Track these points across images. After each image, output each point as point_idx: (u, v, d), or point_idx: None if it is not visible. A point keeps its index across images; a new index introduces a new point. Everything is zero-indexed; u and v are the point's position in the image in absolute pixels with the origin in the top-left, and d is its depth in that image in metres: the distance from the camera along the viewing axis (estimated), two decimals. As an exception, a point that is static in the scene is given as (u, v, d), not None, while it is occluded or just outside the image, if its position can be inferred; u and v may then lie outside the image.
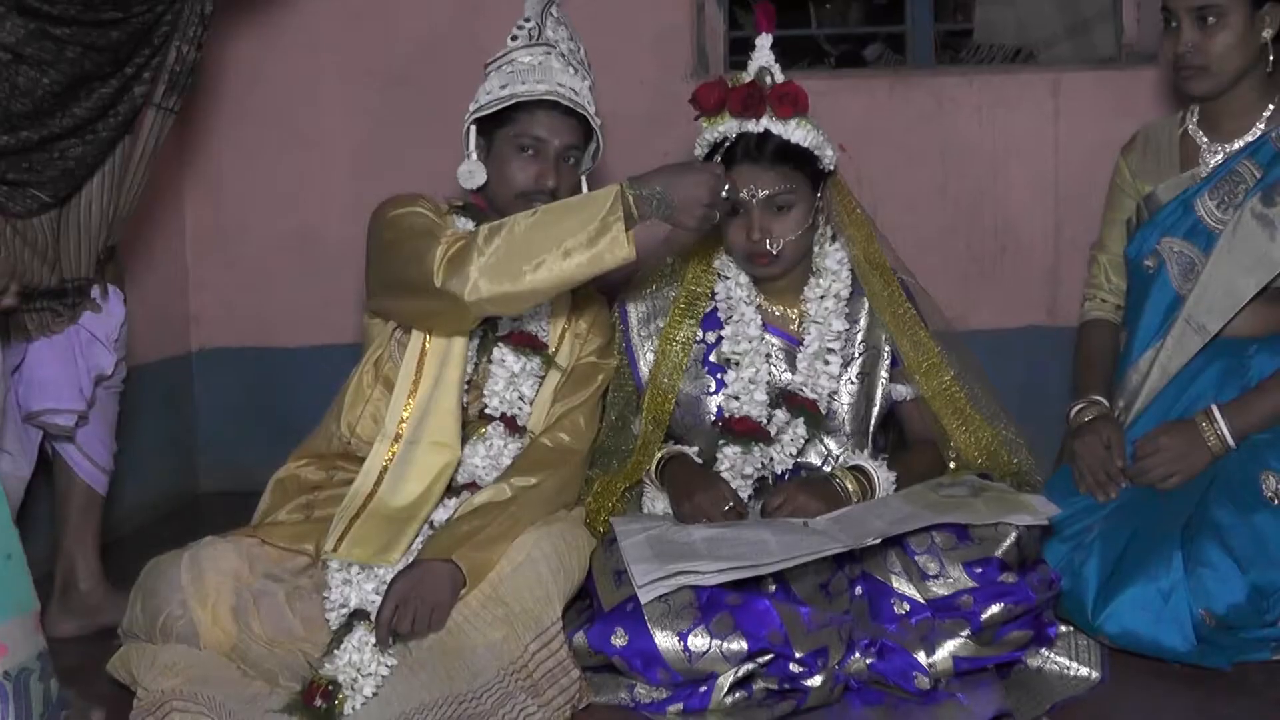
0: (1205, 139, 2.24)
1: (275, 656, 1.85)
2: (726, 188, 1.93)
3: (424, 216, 2.04)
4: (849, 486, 2.04)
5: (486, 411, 2.10)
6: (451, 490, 2.03)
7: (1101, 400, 2.25)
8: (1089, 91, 2.96)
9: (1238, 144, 2.21)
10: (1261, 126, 2.19)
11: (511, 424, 2.09)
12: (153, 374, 2.93)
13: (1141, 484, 2.13)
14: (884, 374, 2.19)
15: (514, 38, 2.15)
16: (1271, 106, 2.20)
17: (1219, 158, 2.22)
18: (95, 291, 2.24)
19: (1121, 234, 2.34)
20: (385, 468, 1.99)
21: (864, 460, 2.09)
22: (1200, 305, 2.16)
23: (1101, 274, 2.37)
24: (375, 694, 1.81)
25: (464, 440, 2.05)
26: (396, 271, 1.99)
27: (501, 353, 2.10)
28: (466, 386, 2.08)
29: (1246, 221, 2.14)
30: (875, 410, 2.18)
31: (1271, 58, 2.16)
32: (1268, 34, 2.15)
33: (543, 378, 2.13)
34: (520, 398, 2.10)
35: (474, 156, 2.12)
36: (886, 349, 2.19)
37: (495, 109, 2.09)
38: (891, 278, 2.19)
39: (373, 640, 1.83)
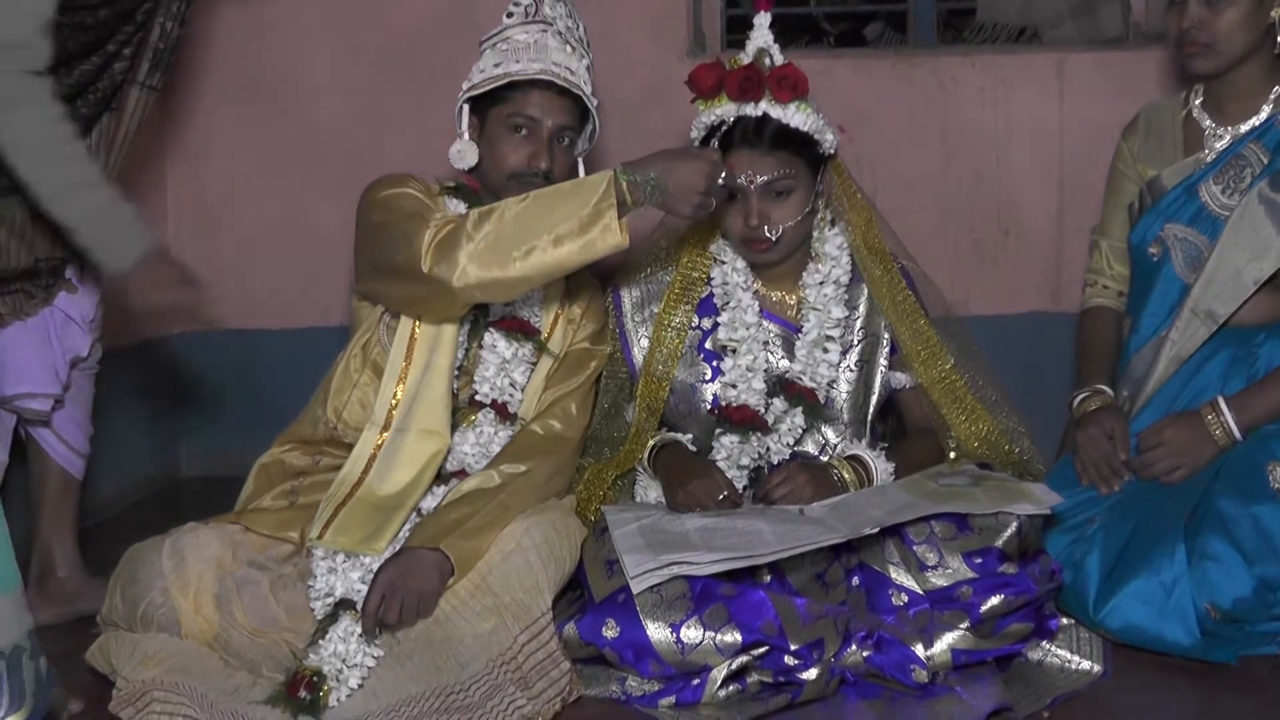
0: (1210, 121, 2.20)
1: (258, 646, 1.83)
2: (723, 175, 1.89)
3: (414, 198, 2.01)
4: (846, 476, 2.02)
5: (477, 398, 2.07)
6: (440, 478, 2.01)
7: (1105, 389, 2.21)
8: (1095, 73, 2.92)
9: (1244, 127, 2.16)
10: (1268, 108, 2.15)
11: (502, 411, 2.07)
12: (132, 356, 2.88)
13: (1145, 477, 2.09)
14: (883, 362, 2.16)
15: (510, 14, 2.13)
16: (1278, 88, 2.15)
17: (1224, 141, 2.18)
18: (70, 271, 2.21)
19: (1124, 219, 2.30)
20: (374, 455, 1.97)
21: (861, 450, 2.06)
22: (1208, 293, 2.13)
23: (1103, 260, 2.33)
24: (361, 685, 1.79)
25: (454, 427, 2.02)
26: (385, 254, 1.96)
27: (493, 338, 2.08)
28: (457, 373, 2.06)
29: (1254, 207, 2.10)
30: (874, 399, 2.15)
31: None
32: (1276, 13, 2.11)
33: (535, 364, 2.11)
34: (512, 384, 2.08)
35: (466, 136, 2.09)
36: (886, 336, 2.16)
37: (489, 88, 2.06)
38: (891, 264, 2.16)
39: (358, 630, 1.81)
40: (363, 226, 2.03)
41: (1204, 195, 2.17)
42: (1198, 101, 2.22)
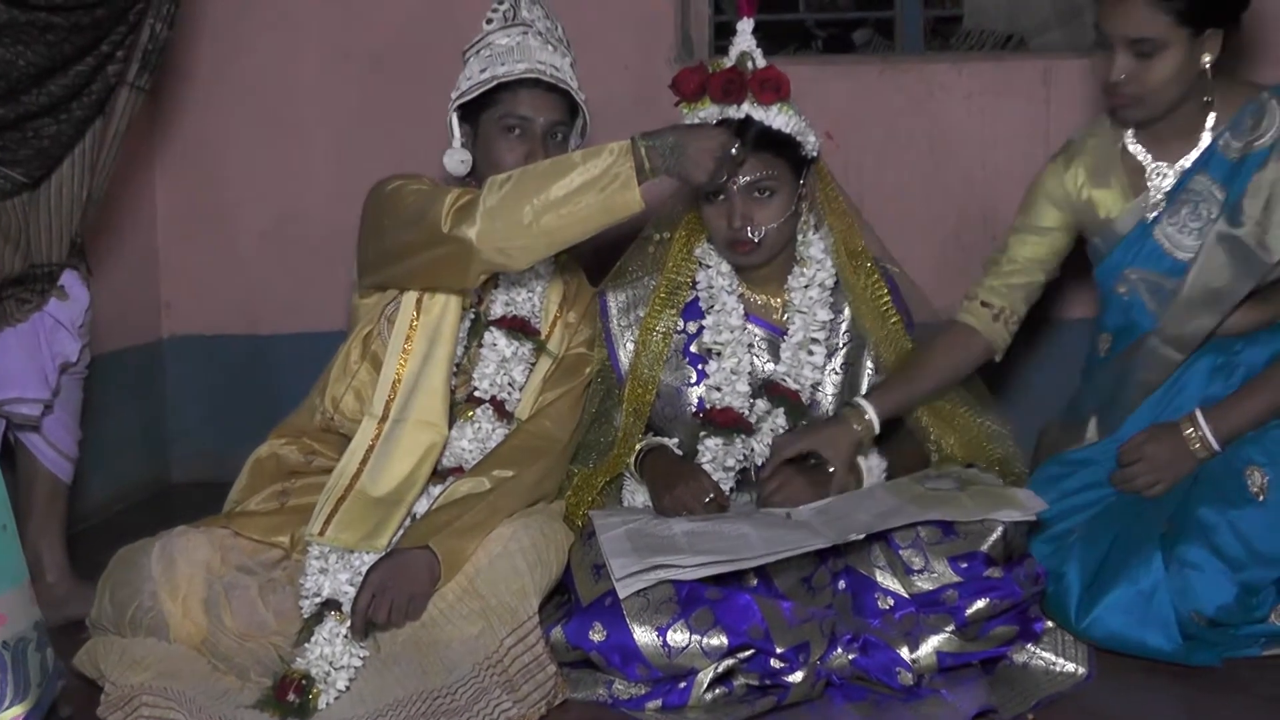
0: (1150, 159, 2.12)
1: (247, 651, 1.84)
2: (735, 146, 1.95)
3: (426, 186, 2.04)
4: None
5: (475, 394, 2.08)
6: (438, 474, 2.01)
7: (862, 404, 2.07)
8: (1081, 80, 2.92)
9: (1186, 161, 2.09)
10: (1208, 136, 2.08)
11: (500, 408, 2.08)
12: (122, 362, 2.88)
13: (1126, 491, 2.08)
14: (869, 364, 2.16)
15: (489, 20, 2.15)
16: (1214, 114, 2.08)
17: (1169, 179, 2.10)
18: (65, 277, 2.21)
19: (1035, 243, 2.17)
20: (372, 446, 1.97)
21: (853, 450, 2.07)
22: (1182, 329, 2.09)
23: (998, 280, 2.18)
24: (348, 687, 1.79)
25: (451, 423, 2.03)
26: (401, 230, 1.98)
27: (493, 336, 2.10)
28: (455, 370, 2.06)
29: (1214, 248, 2.05)
30: (860, 401, 2.15)
31: (1211, 80, 2.04)
32: (1208, 59, 2.03)
33: (534, 364, 2.12)
34: (510, 383, 2.09)
35: (458, 144, 2.11)
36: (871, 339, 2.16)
37: (477, 93, 2.08)
38: (872, 269, 2.15)
39: (343, 631, 1.81)
40: (373, 213, 2.05)
41: (1159, 236, 2.11)
42: (1130, 136, 2.14)
